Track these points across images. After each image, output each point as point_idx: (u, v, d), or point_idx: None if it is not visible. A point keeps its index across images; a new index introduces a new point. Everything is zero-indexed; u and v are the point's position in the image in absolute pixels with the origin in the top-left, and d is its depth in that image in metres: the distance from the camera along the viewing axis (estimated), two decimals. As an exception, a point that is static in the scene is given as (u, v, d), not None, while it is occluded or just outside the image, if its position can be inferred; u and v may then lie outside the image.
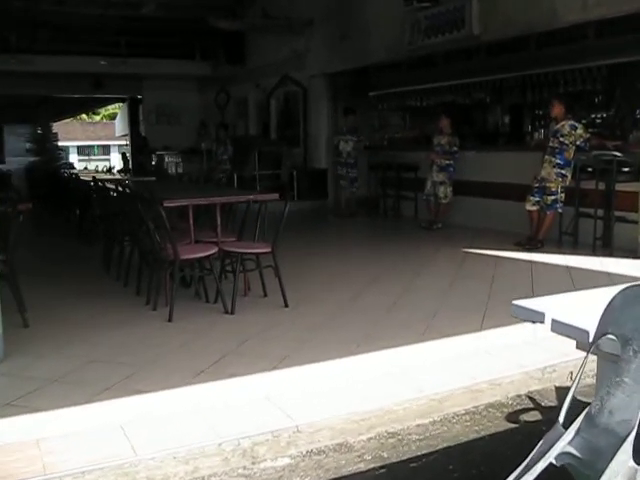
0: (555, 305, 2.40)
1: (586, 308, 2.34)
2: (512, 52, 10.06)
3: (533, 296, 5.64)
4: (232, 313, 5.38)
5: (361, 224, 11.57)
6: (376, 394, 3.72)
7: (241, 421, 3.40)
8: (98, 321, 5.39)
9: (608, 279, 6.54)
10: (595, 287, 6.02)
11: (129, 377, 4.02)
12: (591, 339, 2.11)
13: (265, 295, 5.95)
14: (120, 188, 6.29)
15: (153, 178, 10.50)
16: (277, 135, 16.16)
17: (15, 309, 5.11)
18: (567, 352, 3.90)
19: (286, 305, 5.59)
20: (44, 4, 16.09)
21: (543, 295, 5.82)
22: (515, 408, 3.83)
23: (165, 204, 5.26)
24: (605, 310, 2.03)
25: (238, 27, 15.12)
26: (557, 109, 8.20)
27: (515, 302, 2.43)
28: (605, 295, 2.20)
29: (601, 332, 2.02)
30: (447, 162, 10.18)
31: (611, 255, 7.67)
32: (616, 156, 7.73)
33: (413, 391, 3.77)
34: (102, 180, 7.98)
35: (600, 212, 8.06)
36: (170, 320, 5.20)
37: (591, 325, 2.12)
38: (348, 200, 12.17)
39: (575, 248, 8.16)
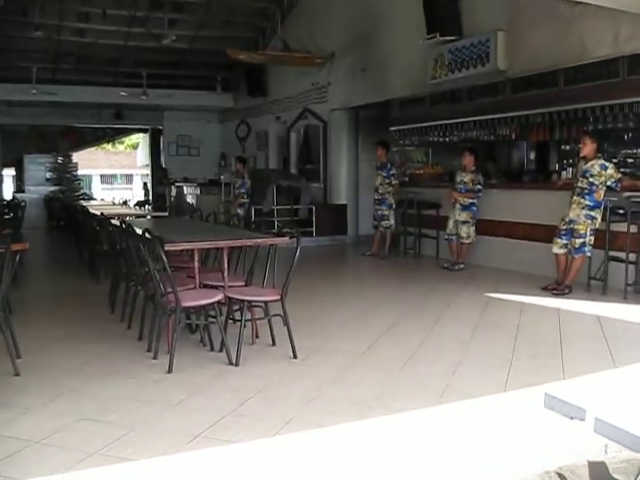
0: (597, 396, 2.01)
1: (637, 399, 1.96)
2: (539, 88, 9.68)
3: (561, 353, 5.31)
4: (237, 364, 5.00)
5: (380, 263, 11.15)
6: (385, 472, 3.32)
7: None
8: (94, 369, 5.05)
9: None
10: (631, 343, 5.69)
11: (118, 440, 3.66)
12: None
13: (274, 344, 5.59)
14: (124, 225, 5.98)
15: (166, 214, 10.21)
16: (297, 169, 15.88)
17: (7, 353, 4.85)
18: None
19: (295, 356, 5.22)
20: (65, 35, 16.14)
21: (572, 352, 5.38)
22: (544, 489, 3.41)
23: (167, 247, 4.94)
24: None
25: (258, 60, 14.94)
26: (588, 147, 7.77)
27: (548, 392, 2.05)
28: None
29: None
30: (470, 201, 9.80)
31: (644, 303, 7.25)
32: (649, 198, 7.32)
33: (425, 467, 3.37)
34: (108, 216, 7.68)
35: (632, 256, 7.63)
36: (170, 371, 4.86)
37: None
38: (377, 239, 11.58)
39: (605, 294, 7.71)
